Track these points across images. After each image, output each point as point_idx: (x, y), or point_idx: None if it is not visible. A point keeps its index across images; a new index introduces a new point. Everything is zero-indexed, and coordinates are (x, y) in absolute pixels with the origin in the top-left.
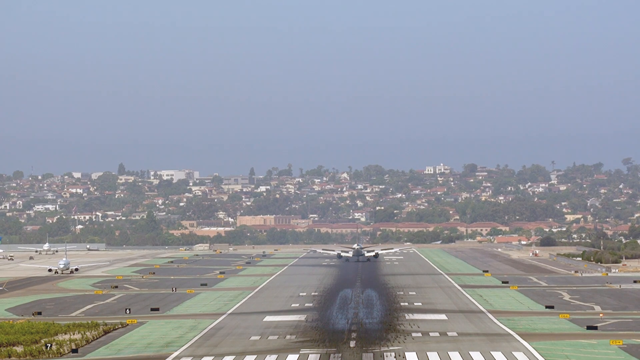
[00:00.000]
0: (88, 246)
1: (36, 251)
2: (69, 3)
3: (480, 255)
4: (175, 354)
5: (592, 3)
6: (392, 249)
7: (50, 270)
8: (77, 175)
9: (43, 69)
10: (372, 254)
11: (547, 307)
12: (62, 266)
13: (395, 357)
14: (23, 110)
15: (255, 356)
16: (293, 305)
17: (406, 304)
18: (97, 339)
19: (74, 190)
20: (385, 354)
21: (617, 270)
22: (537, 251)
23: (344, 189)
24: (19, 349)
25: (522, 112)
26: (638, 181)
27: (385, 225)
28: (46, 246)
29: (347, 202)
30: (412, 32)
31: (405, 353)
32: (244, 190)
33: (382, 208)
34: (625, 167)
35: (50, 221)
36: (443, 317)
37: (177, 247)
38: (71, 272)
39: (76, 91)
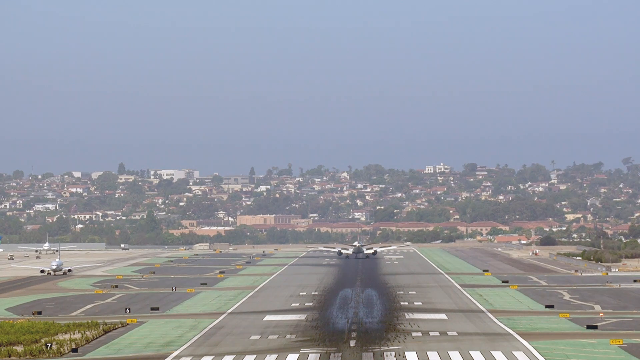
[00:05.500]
0: (122, 245)
1: (36, 250)
2: (68, 3)
3: (480, 254)
4: (175, 353)
5: (593, 3)
6: (390, 246)
7: (42, 271)
8: (77, 174)
9: (43, 69)
10: (371, 251)
11: (547, 306)
12: (54, 267)
13: (395, 356)
14: (23, 110)
15: (255, 356)
16: (293, 304)
17: (406, 303)
18: (97, 338)
19: (74, 190)
20: (385, 353)
21: (617, 270)
22: (537, 250)
23: (344, 188)
24: (19, 348)
25: (522, 112)
26: (638, 181)
27: (385, 225)
28: (46, 246)
29: (347, 201)
30: (412, 32)
31: (405, 352)
32: (244, 189)
33: (382, 207)
34: (625, 167)
35: (50, 221)
36: (443, 316)
37: (177, 246)
38: (64, 273)
39: (76, 91)
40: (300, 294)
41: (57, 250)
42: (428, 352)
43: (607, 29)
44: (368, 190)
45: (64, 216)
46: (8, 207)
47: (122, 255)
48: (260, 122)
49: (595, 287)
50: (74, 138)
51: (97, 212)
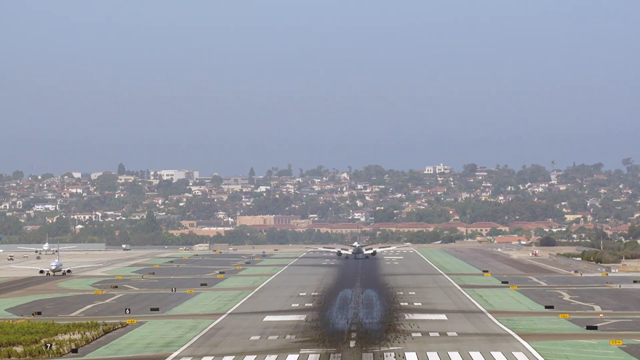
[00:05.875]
0: (124, 246)
1: (36, 251)
2: (68, 3)
3: (480, 255)
4: (175, 354)
5: (593, 3)
6: (389, 246)
7: (41, 272)
8: (77, 175)
9: (43, 69)
10: (371, 252)
11: (546, 307)
12: (53, 267)
13: (395, 357)
14: (23, 110)
15: (255, 356)
16: (293, 305)
17: (406, 304)
18: (96, 339)
19: (73, 190)
20: (385, 354)
21: (617, 270)
22: (537, 251)
23: (344, 189)
24: (19, 349)
25: (522, 112)
26: (638, 181)
27: (385, 225)
28: (46, 246)
29: (347, 202)
30: (411, 32)
31: (405, 353)
32: (244, 190)
33: (382, 208)
34: (625, 167)
35: (50, 221)
36: (443, 317)
37: (177, 247)
38: (63, 273)
39: (76, 91)
40: (300, 294)
41: (56, 251)
42: (428, 353)
43: (607, 29)
44: (368, 190)
45: (64, 217)
46: (8, 207)
47: (121, 256)
48: (260, 122)
49: (595, 287)
50: (74, 138)
51: (97, 213)
